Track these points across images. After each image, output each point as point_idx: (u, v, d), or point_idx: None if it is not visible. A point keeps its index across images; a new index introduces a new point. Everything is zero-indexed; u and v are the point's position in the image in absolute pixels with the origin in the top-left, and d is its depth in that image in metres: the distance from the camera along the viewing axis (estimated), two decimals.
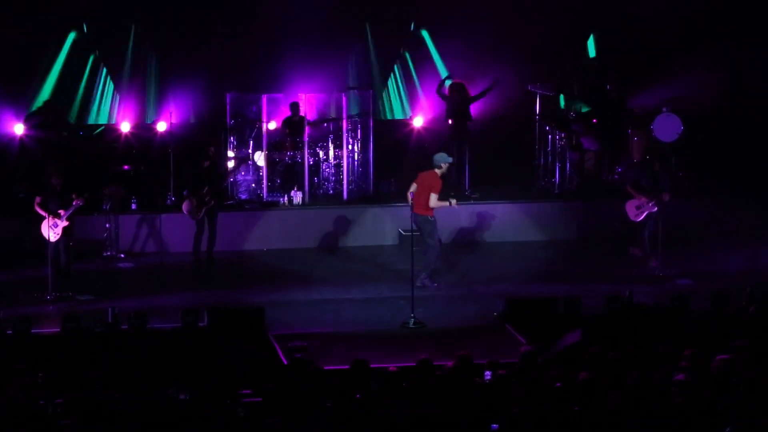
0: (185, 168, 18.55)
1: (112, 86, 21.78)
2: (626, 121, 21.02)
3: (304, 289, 16.85)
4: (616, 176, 20.95)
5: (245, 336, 13.62)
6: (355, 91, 20.89)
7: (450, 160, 17.07)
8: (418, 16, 22.62)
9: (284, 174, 20.07)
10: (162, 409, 10.40)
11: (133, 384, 11.27)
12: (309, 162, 19.96)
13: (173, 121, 19.90)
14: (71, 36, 21.52)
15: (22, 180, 19.48)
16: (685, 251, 18.07)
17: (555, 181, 20.63)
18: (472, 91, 20.37)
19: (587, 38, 22.69)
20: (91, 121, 21.72)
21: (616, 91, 21.15)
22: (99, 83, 21.77)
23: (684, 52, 21.64)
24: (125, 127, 20.43)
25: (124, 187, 19.05)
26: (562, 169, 20.68)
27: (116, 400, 10.53)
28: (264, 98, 20.07)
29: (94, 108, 21.77)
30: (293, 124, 20.28)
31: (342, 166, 20.16)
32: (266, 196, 19.93)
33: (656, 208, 17.33)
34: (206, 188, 17.78)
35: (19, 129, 19.84)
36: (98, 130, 21.30)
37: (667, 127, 20.33)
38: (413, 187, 16.74)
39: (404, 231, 18.85)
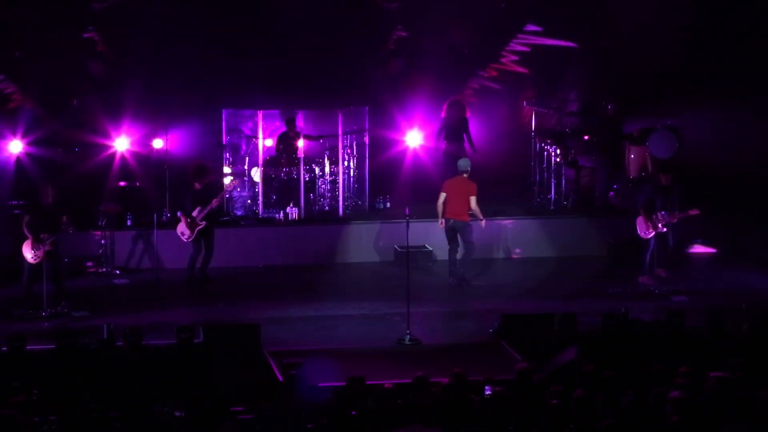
0: (178, 189, 18.50)
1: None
2: (622, 137, 21.05)
3: (300, 305, 16.82)
4: (612, 193, 20.98)
5: (241, 352, 13.60)
6: (351, 107, 20.90)
7: (470, 163, 18.08)
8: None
9: (280, 190, 20.07)
10: (157, 427, 10.38)
11: (128, 401, 11.24)
12: (305, 178, 19.96)
13: (169, 137, 19.92)
14: None
15: (18, 197, 19.45)
16: (681, 268, 18.06)
17: (551, 197, 20.64)
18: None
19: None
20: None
21: (615, 108, 21.15)
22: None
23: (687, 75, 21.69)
24: (121, 144, 20.43)
25: (119, 204, 19.05)
26: (558, 186, 20.69)
27: (111, 418, 10.51)
28: (260, 114, 20.09)
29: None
30: (288, 139, 20.30)
31: (338, 183, 20.17)
32: (262, 213, 19.94)
33: (665, 229, 17.30)
34: (198, 209, 17.75)
35: (16, 147, 19.82)
36: (94, 147, 21.28)
37: (662, 144, 20.36)
38: (442, 197, 17.72)
39: (400, 247, 18.86)
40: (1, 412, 10.25)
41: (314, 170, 20.14)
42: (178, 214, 17.97)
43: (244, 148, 20.25)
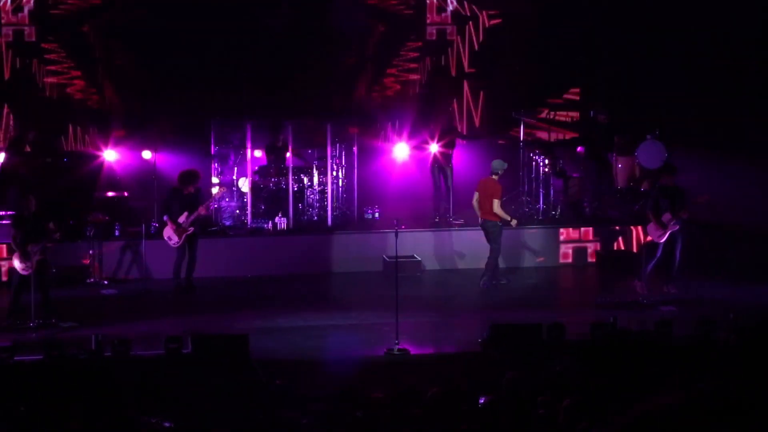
0: (166, 195, 18.48)
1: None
2: (611, 147, 21.10)
3: (288, 315, 16.81)
4: (600, 203, 21.02)
5: (229, 363, 13.58)
6: (340, 118, 20.91)
7: (506, 165, 18.32)
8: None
9: (269, 200, 20.06)
10: None
11: (116, 412, 11.21)
12: (293, 188, 19.96)
13: (157, 148, 19.92)
14: None
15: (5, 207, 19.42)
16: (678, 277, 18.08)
17: (539, 206, 20.67)
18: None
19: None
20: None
21: (605, 117, 21.18)
22: None
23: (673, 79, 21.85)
24: (109, 154, 20.43)
25: (107, 214, 19.03)
26: (546, 195, 20.72)
27: (99, 429, 10.48)
28: (248, 124, 20.08)
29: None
30: (277, 150, 20.30)
31: (326, 193, 20.17)
32: (250, 223, 19.93)
33: (678, 226, 17.30)
34: (185, 215, 17.76)
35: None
36: (82, 157, 21.27)
37: (651, 154, 20.40)
38: (475, 197, 18.10)
39: (388, 257, 18.86)
40: None
41: (303, 180, 20.14)
42: (164, 218, 17.96)
43: (232, 158, 20.23)
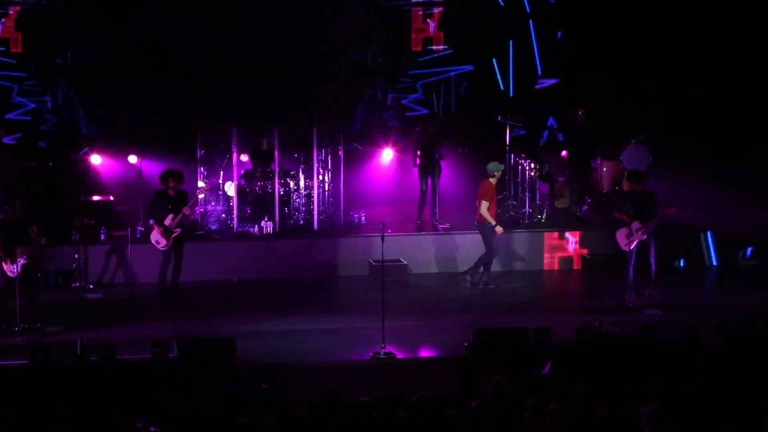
0: (151, 198, 18.45)
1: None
2: (596, 151, 21.15)
3: (274, 319, 16.81)
4: (585, 207, 21.07)
5: (215, 367, 13.56)
6: (326, 122, 20.90)
7: (502, 167, 18.39)
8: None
9: (255, 204, 20.05)
10: None
11: (102, 417, 11.19)
12: (279, 192, 19.95)
13: (143, 152, 19.90)
14: None
15: None
16: (656, 282, 18.13)
17: (525, 211, 20.69)
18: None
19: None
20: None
21: (588, 118, 21.21)
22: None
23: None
24: (95, 158, 20.40)
25: (93, 218, 18.99)
26: (532, 199, 20.75)
27: None
28: (234, 128, 20.04)
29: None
30: (263, 153, 20.28)
31: (312, 197, 20.17)
32: (236, 227, 19.90)
33: (645, 235, 17.30)
34: (170, 217, 17.74)
35: None
36: (68, 161, 21.24)
37: (636, 158, 20.45)
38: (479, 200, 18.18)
39: (374, 261, 18.86)
40: None
41: (289, 184, 20.13)
42: (151, 222, 17.93)
43: (218, 162, 20.20)
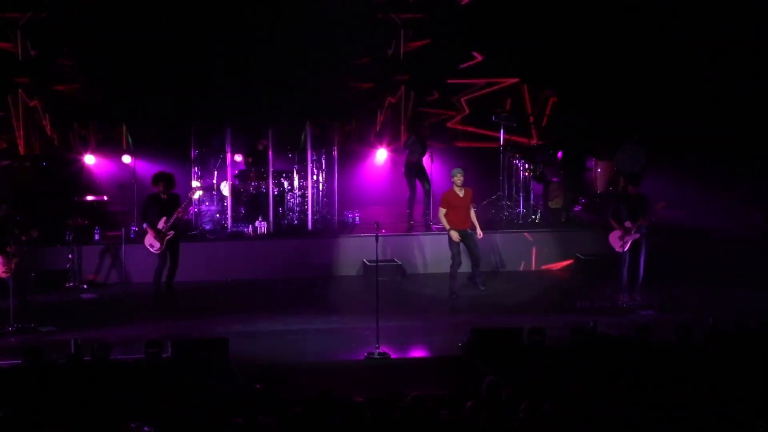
0: (144, 202, 18.43)
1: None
2: (590, 152, 21.18)
3: (269, 319, 16.81)
4: (579, 207, 21.09)
5: (209, 367, 13.55)
6: (320, 121, 20.91)
7: (459, 172, 18.00)
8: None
9: (249, 204, 20.04)
10: None
11: (96, 417, 11.18)
12: (274, 192, 19.95)
13: (137, 152, 19.90)
14: None
15: None
16: (650, 283, 18.16)
17: (519, 211, 20.71)
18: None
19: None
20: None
21: (583, 120, 21.25)
22: None
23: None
24: (89, 159, 20.39)
25: (87, 218, 18.98)
26: (527, 200, 20.76)
27: None
28: (228, 128, 20.04)
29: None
30: (257, 153, 20.28)
31: (307, 197, 20.17)
32: (231, 227, 19.90)
33: (639, 235, 17.33)
34: (164, 219, 17.71)
35: None
36: (62, 161, 21.22)
37: (630, 159, 20.48)
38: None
39: (369, 261, 18.87)
40: None
41: (283, 184, 20.13)
42: (144, 225, 17.90)
43: (212, 162, 20.20)
